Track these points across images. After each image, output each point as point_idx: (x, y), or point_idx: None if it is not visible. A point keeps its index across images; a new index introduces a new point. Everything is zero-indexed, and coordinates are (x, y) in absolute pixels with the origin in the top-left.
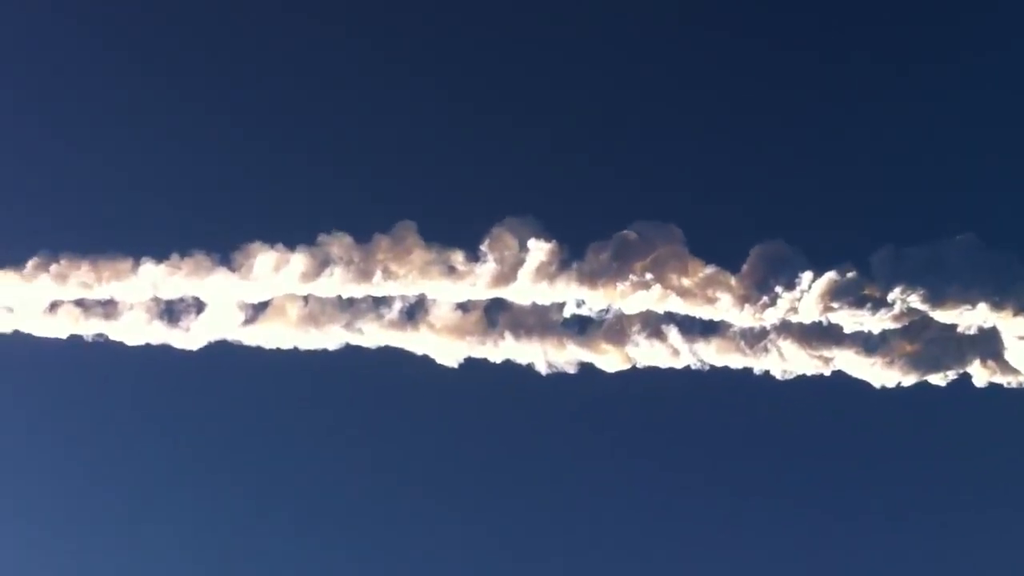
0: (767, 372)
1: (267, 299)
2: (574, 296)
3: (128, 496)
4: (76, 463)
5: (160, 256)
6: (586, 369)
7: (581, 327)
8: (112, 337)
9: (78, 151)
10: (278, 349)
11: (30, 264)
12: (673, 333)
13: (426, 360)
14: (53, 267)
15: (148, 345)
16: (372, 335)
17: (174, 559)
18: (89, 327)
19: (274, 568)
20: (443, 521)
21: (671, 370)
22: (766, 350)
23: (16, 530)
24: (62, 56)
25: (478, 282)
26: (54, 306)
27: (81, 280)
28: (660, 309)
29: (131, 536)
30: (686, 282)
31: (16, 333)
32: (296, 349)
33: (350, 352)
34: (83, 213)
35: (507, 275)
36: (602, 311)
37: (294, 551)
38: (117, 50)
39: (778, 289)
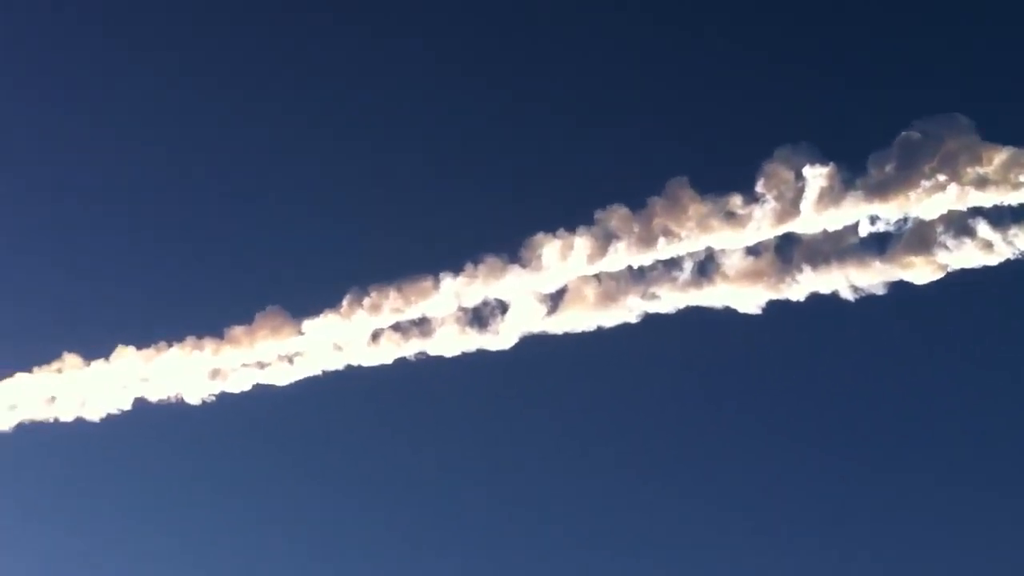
0: None
1: (562, 286)
2: (865, 214)
3: (492, 497)
4: (425, 471)
5: (456, 268)
6: (894, 287)
7: (880, 244)
8: (431, 353)
9: (365, 193)
10: (583, 332)
11: (345, 302)
12: (982, 226)
13: (727, 312)
14: (366, 300)
15: (464, 353)
16: (669, 299)
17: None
18: (410, 348)
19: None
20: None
21: (986, 268)
22: None
23: (388, 548)
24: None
25: (762, 223)
26: (375, 336)
27: (393, 306)
28: (962, 206)
29: (523, 536)
30: (984, 172)
31: (348, 367)
32: (599, 328)
33: (649, 320)
34: (379, 243)
35: (790, 209)
36: (899, 222)
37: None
38: None
39: None
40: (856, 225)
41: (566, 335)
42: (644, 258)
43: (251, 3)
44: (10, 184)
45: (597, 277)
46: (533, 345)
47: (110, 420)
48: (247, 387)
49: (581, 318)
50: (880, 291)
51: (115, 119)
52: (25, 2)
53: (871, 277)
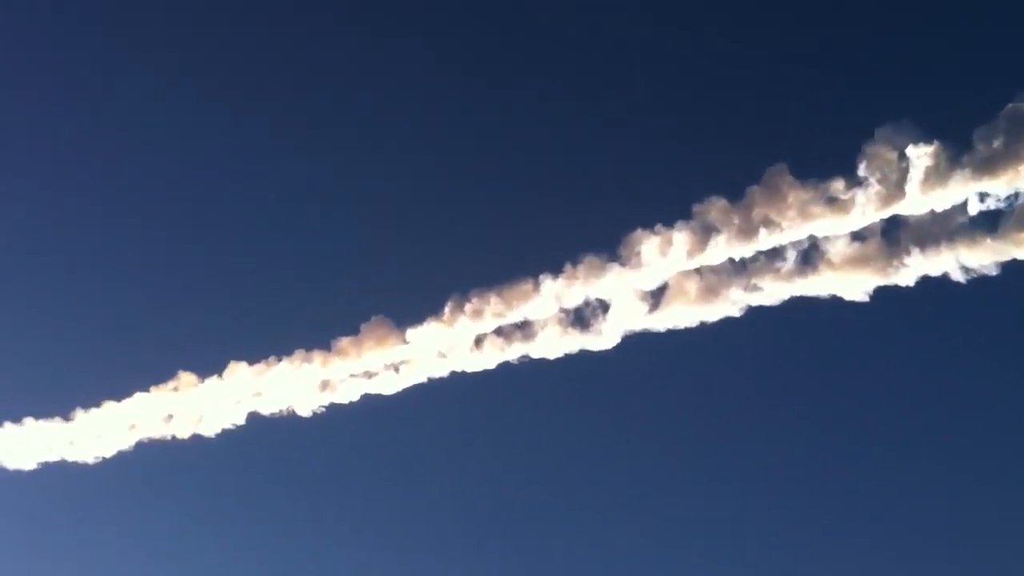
0: None
1: (663, 282)
2: (973, 191)
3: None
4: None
5: (555, 270)
6: (1008, 267)
7: (991, 222)
8: (534, 355)
9: (462, 199)
10: (686, 328)
11: (447, 309)
12: None
13: (833, 301)
14: (467, 306)
15: (567, 354)
16: (773, 290)
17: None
18: (513, 352)
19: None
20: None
21: None
22: None
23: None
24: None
25: (866, 207)
26: (478, 341)
27: (494, 311)
28: None
29: (636, 537)
30: None
31: (452, 374)
32: (702, 323)
33: (753, 313)
34: (478, 249)
35: (894, 191)
36: (1010, 198)
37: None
38: None
39: None
40: (964, 204)
41: (669, 332)
42: (745, 250)
43: None
44: (116, 213)
45: (698, 271)
46: (636, 343)
47: (226, 435)
48: (355, 397)
49: (683, 314)
50: (993, 271)
51: (221, 144)
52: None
53: (983, 257)
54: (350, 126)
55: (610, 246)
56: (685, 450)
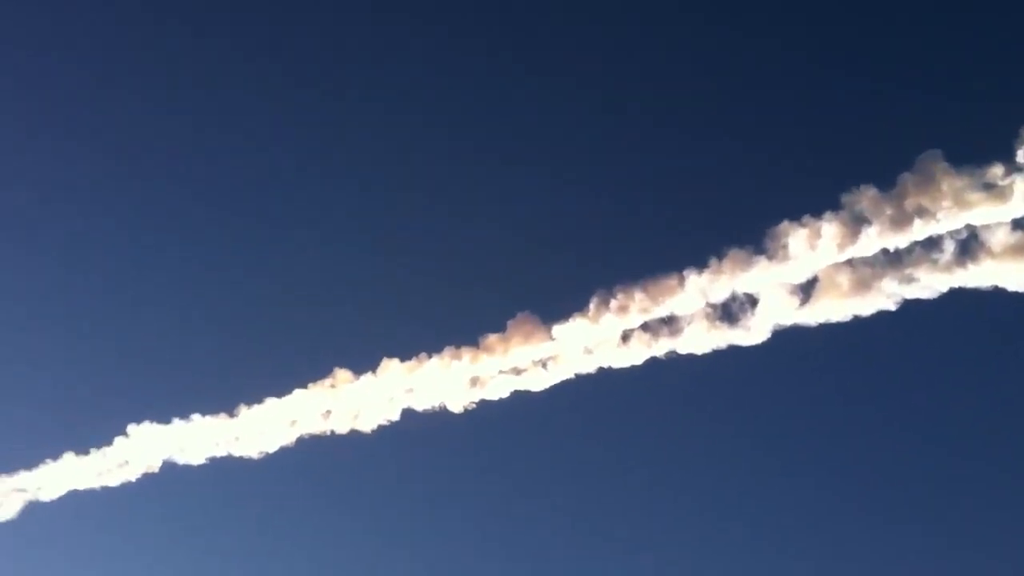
0: None
1: (813, 276)
2: None
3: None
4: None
5: (700, 264)
6: None
7: None
8: (682, 351)
9: (605, 194)
10: (839, 322)
11: (592, 305)
12: None
13: (995, 292)
14: (612, 302)
15: (715, 350)
16: (930, 282)
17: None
18: (660, 347)
19: None
20: None
21: None
22: None
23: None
24: None
25: None
26: (625, 337)
27: (640, 307)
28: None
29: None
30: None
31: (600, 370)
32: (855, 317)
33: (909, 306)
34: (621, 244)
35: None
36: None
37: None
38: None
39: None
40: None
41: (821, 326)
42: (899, 240)
43: None
44: (273, 216)
45: (849, 263)
46: (787, 338)
47: (381, 431)
48: (505, 394)
49: (836, 308)
50: None
51: (368, 145)
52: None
53: None
54: (498, 127)
55: (756, 239)
56: (838, 449)
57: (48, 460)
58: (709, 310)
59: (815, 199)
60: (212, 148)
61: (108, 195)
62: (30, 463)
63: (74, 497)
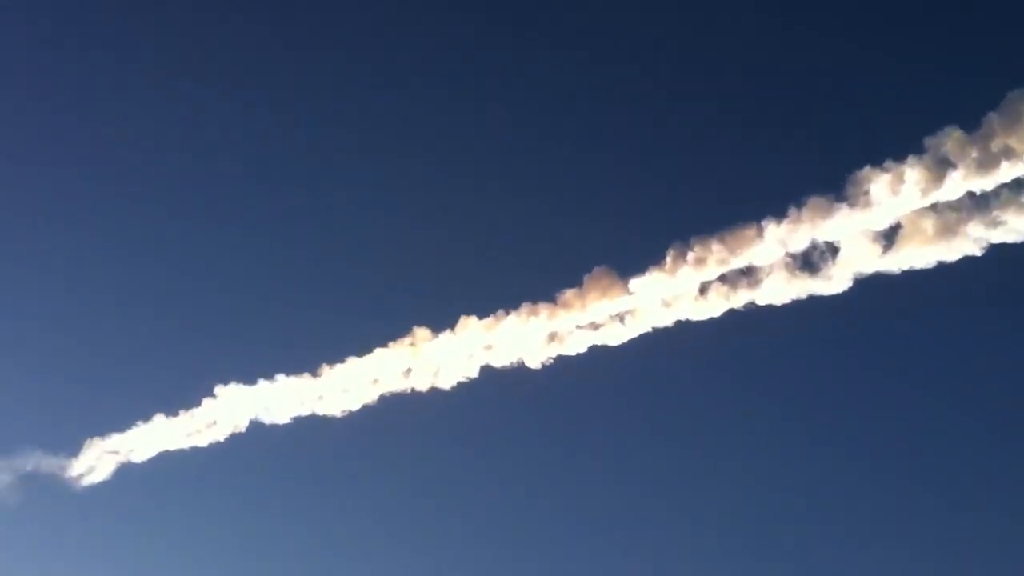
0: None
1: (895, 222)
2: None
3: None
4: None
5: (779, 213)
6: None
7: None
8: (761, 302)
9: (676, 144)
10: (923, 269)
11: (668, 258)
12: None
13: None
14: (689, 255)
15: (795, 300)
16: (1017, 225)
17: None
18: (738, 299)
19: None
20: None
21: None
22: None
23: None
24: None
25: None
26: (703, 289)
27: (717, 258)
28: None
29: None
30: None
31: (677, 323)
32: (940, 264)
33: (996, 250)
34: (696, 195)
35: None
36: None
37: None
38: None
39: None
40: None
41: (904, 273)
42: (985, 183)
43: None
44: (355, 179)
45: (933, 208)
46: (869, 287)
47: (460, 387)
48: (583, 349)
49: (919, 254)
50: None
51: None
52: None
53: None
54: (570, 78)
55: (836, 186)
56: (925, 399)
57: (139, 422)
58: (788, 260)
59: (897, 143)
60: (303, 106)
61: (192, 155)
62: (122, 426)
63: (165, 458)
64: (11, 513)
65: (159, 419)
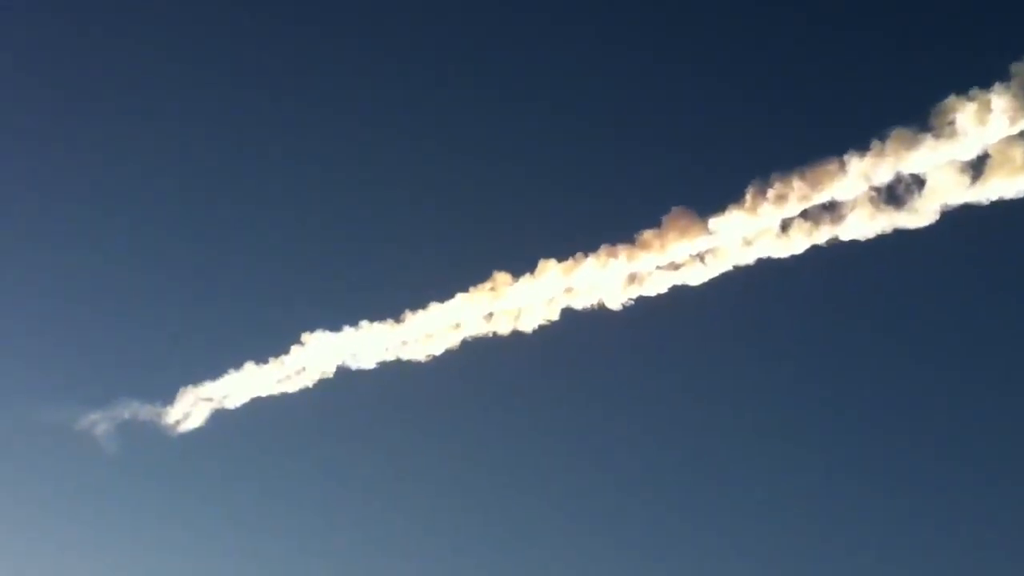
0: None
1: (984, 151)
2: None
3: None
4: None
5: (861, 146)
6: None
7: None
8: (844, 238)
9: (755, 79)
10: (1014, 199)
11: (748, 196)
12: None
13: None
14: (769, 192)
15: (880, 235)
16: None
17: None
18: (821, 235)
19: None
20: None
21: None
22: None
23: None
24: None
25: None
26: (784, 226)
27: (799, 194)
28: None
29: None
30: None
31: (759, 261)
32: None
33: None
34: (775, 129)
35: None
36: None
37: None
38: None
39: None
40: None
41: (993, 204)
42: None
43: None
44: (428, 128)
45: (1022, 136)
46: (957, 219)
47: (542, 330)
48: (663, 289)
49: (1008, 184)
50: None
51: None
52: None
53: None
54: (644, 16)
55: (920, 117)
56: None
57: (231, 370)
58: (873, 194)
59: (983, 70)
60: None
61: (279, 102)
62: (215, 374)
63: (256, 404)
64: (112, 459)
65: (249, 367)
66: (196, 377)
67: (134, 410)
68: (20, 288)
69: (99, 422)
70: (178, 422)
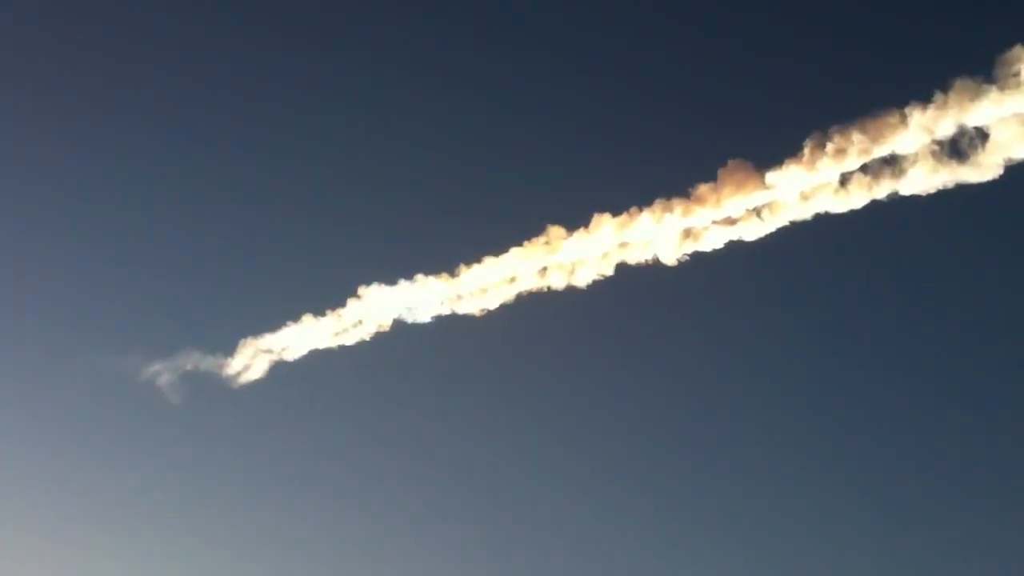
0: None
1: None
2: None
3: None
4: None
5: (923, 98)
6: None
7: None
8: (905, 192)
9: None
10: None
11: (806, 150)
12: None
13: None
14: (828, 145)
15: (942, 189)
16: None
17: None
18: (881, 190)
19: None
20: None
21: None
22: None
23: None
24: None
25: None
26: (843, 180)
27: (858, 148)
28: None
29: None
30: None
31: (817, 216)
32: None
33: None
34: (833, 81)
35: None
36: None
37: None
38: None
39: None
40: None
41: None
42: None
43: None
44: (491, 80)
45: None
46: (1022, 173)
47: (596, 285)
48: (719, 245)
49: None
50: None
51: None
52: None
53: None
54: None
55: (984, 67)
56: None
57: (289, 323)
58: (935, 147)
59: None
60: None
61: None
62: (274, 326)
63: (315, 356)
64: (174, 409)
65: (308, 319)
66: (256, 329)
67: (196, 361)
68: (87, 241)
69: (162, 372)
70: (239, 373)
